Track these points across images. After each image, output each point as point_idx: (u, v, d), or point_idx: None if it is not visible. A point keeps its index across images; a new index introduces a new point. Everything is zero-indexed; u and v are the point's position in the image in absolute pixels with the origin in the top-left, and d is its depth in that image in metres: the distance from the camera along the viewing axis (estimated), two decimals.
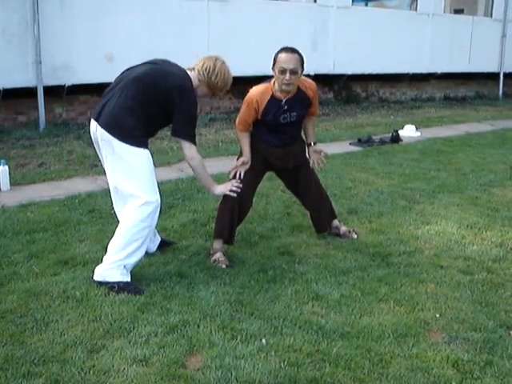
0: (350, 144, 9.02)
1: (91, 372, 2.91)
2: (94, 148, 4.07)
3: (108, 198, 4.23)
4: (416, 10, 14.11)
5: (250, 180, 4.38)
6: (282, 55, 4.09)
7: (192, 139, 3.90)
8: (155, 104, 3.78)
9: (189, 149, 3.89)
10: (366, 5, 14.73)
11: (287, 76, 4.09)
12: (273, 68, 4.16)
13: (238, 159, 4.47)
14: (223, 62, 3.99)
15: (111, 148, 3.76)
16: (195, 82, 3.92)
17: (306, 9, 12.36)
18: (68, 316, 3.45)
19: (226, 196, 4.22)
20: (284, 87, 4.16)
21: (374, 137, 9.30)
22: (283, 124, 4.33)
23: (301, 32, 11.76)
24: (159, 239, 4.43)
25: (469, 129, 10.90)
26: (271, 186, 6.02)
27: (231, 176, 4.38)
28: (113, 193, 4.10)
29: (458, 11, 20.28)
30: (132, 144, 3.74)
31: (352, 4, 12.88)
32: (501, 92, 16.35)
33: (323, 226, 4.84)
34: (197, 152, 3.94)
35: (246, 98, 4.29)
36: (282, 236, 4.87)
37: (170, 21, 10.14)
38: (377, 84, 14.19)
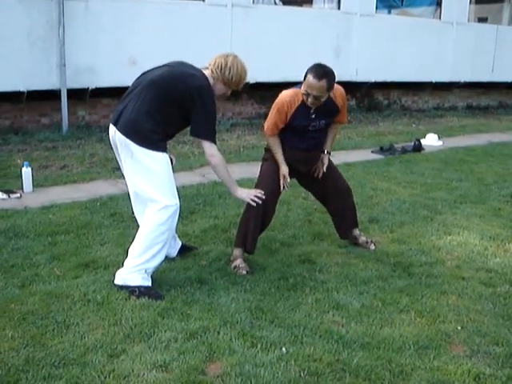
0: (372, 152, 8.99)
1: (111, 376, 2.92)
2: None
3: (129, 201, 4.24)
4: (440, 18, 14.02)
5: (275, 188, 4.36)
6: (310, 79, 4.05)
7: (212, 138, 3.87)
8: (174, 106, 3.78)
9: (209, 147, 3.87)
10: (389, 12, 14.63)
11: (310, 99, 4.12)
12: (304, 80, 4.14)
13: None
14: (235, 57, 3.95)
15: (130, 152, 3.77)
16: (211, 80, 3.89)
17: (330, 16, 12.35)
18: (89, 319, 3.46)
19: (250, 204, 4.18)
20: (308, 104, 4.19)
21: (395, 145, 9.26)
22: (311, 130, 4.32)
23: (324, 39, 11.78)
24: (180, 244, 4.44)
25: (491, 138, 10.80)
26: (292, 194, 6.00)
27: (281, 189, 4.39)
28: (132, 197, 4.11)
29: (482, 19, 20.12)
30: (150, 148, 3.74)
31: (376, 12, 12.85)
32: None
33: (346, 232, 4.79)
34: (217, 150, 3.91)
35: (277, 101, 4.29)
36: (303, 244, 4.86)
37: (193, 26, 10.18)
38: (399, 92, 14.13)
